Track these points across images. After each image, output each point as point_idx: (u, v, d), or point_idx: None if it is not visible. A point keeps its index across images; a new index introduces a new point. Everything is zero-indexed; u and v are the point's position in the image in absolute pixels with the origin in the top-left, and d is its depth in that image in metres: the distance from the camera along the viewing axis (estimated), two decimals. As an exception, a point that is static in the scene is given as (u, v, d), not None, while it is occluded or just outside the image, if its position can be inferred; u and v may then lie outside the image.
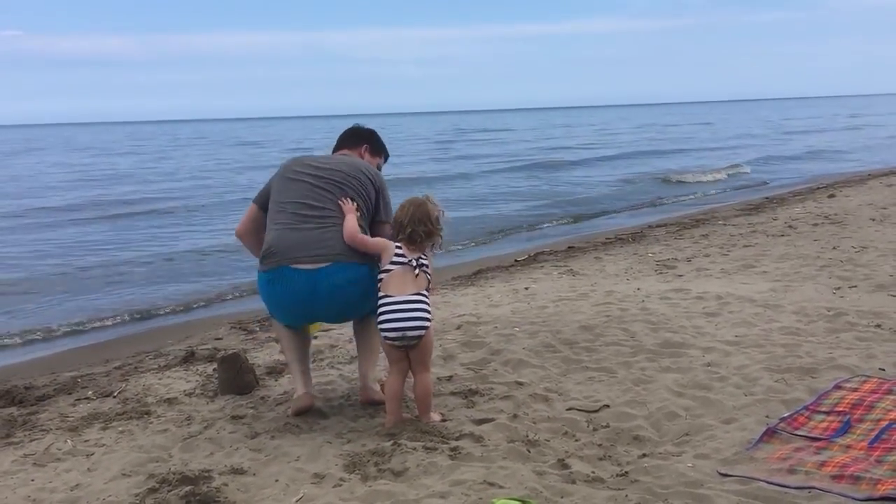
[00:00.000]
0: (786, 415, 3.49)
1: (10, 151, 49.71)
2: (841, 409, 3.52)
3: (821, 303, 5.52)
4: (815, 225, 9.65)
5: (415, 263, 3.57)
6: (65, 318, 7.86)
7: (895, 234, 8.41)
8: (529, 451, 3.25)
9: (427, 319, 3.55)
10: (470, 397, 3.96)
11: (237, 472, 3.21)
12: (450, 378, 4.28)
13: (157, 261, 10.93)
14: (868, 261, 6.99)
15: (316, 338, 5.17)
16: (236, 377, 4.33)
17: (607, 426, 3.53)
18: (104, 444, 3.67)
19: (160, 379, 4.80)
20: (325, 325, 5.81)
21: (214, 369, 4.66)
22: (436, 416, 3.65)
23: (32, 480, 3.32)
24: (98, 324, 7.67)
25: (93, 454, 3.56)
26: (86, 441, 3.75)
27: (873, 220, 9.70)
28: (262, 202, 3.95)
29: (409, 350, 3.58)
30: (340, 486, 3.04)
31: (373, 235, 3.81)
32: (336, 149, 4.25)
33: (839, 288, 6.01)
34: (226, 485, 3.08)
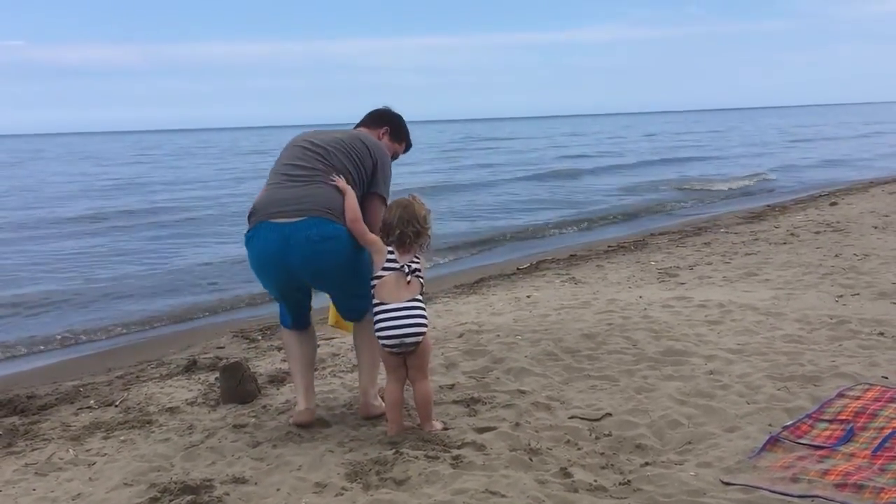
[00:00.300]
0: (789, 423, 3.48)
1: (13, 161, 49.81)
2: (844, 417, 3.51)
3: (823, 311, 5.51)
4: (818, 233, 9.64)
5: (407, 269, 3.55)
6: (67, 327, 7.87)
7: (897, 242, 8.41)
8: (531, 460, 3.25)
9: (423, 325, 3.54)
10: (472, 406, 3.95)
11: (239, 481, 3.21)
12: (452, 386, 4.27)
13: (160, 271, 10.94)
14: (870, 269, 6.98)
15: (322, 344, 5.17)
16: (238, 386, 4.33)
17: (609, 434, 3.53)
18: (106, 454, 3.67)
19: (162, 388, 4.80)
20: (329, 332, 5.81)
21: (216, 378, 4.66)
22: (437, 425, 3.64)
23: (34, 490, 3.32)
24: (100, 333, 7.67)
25: (94, 463, 3.56)
26: (87, 450, 3.74)
27: (876, 227, 9.69)
28: None
29: (407, 357, 3.57)
30: (342, 495, 3.03)
31: (364, 207, 3.75)
32: (357, 126, 4.15)
33: (841, 296, 6.01)
34: (227, 494, 3.08)
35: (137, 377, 5.35)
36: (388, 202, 3.80)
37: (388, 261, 3.57)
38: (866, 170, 22.46)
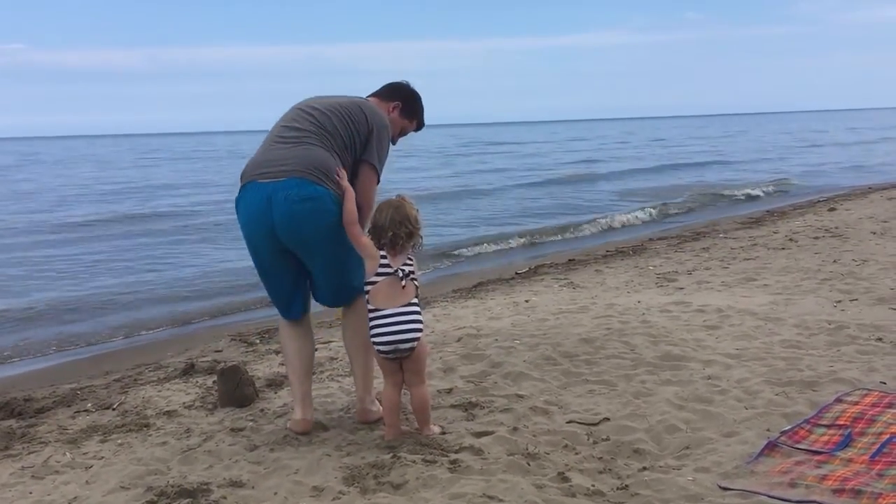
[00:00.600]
0: (787, 428, 3.48)
1: (11, 164, 49.79)
2: (842, 422, 3.50)
3: (822, 316, 5.52)
4: (816, 238, 9.65)
5: (401, 274, 3.51)
6: (64, 330, 7.86)
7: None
8: (529, 465, 3.24)
9: (419, 330, 3.51)
10: (470, 410, 3.94)
11: (236, 484, 3.20)
12: (450, 391, 4.26)
13: (158, 274, 10.94)
14: (869, 274, 6.99)
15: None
16: (236, 390, 4.32)
17: (607, 439, 3.52)
18: (103, 457, 3.66)
19: (160, 391, 4.79)
20: (327, 336, 5.81)
21: (214, 382, 4.65)
22: (435, 429, 3.63)
23: (31, 493, 3.31)
24: (97, 336, 7.67)
25: (91, 466, 3.55)
26: (84, 453, 3.74)
27: (874, 233, 9.70)
28: None
29: (403, 361, 3.55)
30: (339, 499, 3.02)
31: (355, 174, 3.70)
32: (371, 94, 4.05)
33: (840, 301, 6.01)
34: (224, 497, 3.07)
35: (135, 380, 5.34)
36: (380, 172, 3.73)
37: (382, 265, 3.53)
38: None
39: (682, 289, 7.06)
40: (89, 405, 4.63)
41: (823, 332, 5.09)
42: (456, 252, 11.91)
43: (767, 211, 14.48)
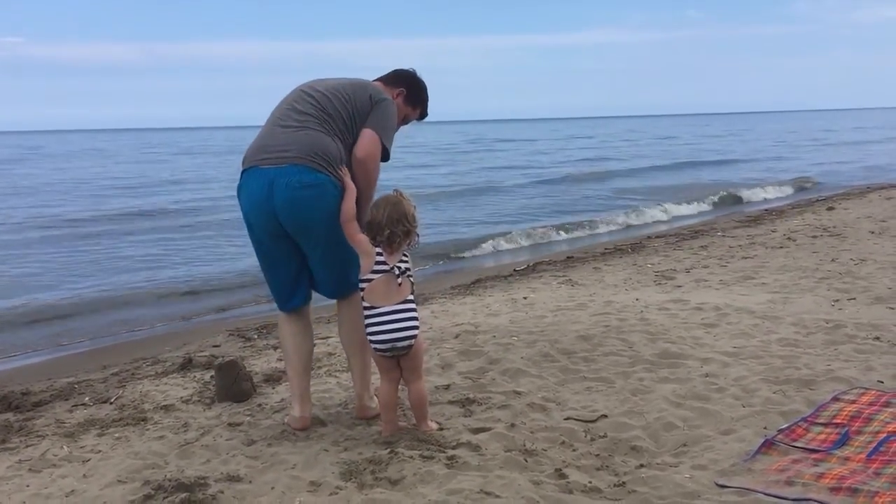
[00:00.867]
0: (784, 426, 3.48)
1: (10, 158, 49.70)
2: (839, 420, 3.51)
3: (819, 315, 5.52)
4: (815, 237, 9.66)
5: (397, 271, 3.48)
6: (63, 324, 7.86)
7: (894, 247, 8.42)
8: (527, 461, 3.24)
9: (415, 328, 3.49)
10: (467, 406, 3.95)
11: (233, 479, 3.20)
12: (447, 387, 4.27)
13: (158, 270, 10.94)
14: (867, 273, 6.99)
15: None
16: (233, 384, 4.32)
17: (605, 436, 3.52)
18: (100, 451, 3.66)
19: (157, 385, 4.79)
20: (325, 332, 5.80)
21: (212, 376, 4.65)
22: (433, 425, 3.63)
23: (28, 486, 3.31)
24: (96, 330, 7.66)
25: (89, 460, 3.55)
26: (82, 447, 3.74)
27: (872, 232, 9.71)
28: None
29: (400, 359, 3.54)
30: (337, 493, 3.03)
31: (356, 137, 3.66)
32: (377, 79, 4.02)
33: (838, 300, 6.01)
34: (221, 492, 3.07)
35: (133, 374, 5.34)
36: (386, 144, 3.70)
37: (378, 263, 3.49)
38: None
39: (680, 287, 7.06)
40: (87, 399, 4.64)
41: (821, 330, 5.10)
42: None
43: (766, 210, 14.49)
